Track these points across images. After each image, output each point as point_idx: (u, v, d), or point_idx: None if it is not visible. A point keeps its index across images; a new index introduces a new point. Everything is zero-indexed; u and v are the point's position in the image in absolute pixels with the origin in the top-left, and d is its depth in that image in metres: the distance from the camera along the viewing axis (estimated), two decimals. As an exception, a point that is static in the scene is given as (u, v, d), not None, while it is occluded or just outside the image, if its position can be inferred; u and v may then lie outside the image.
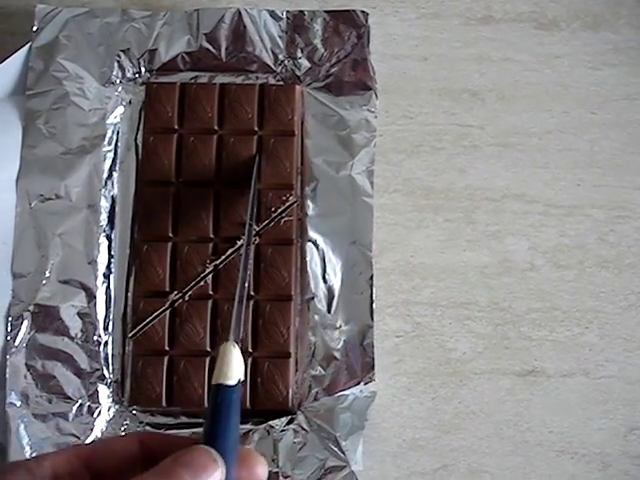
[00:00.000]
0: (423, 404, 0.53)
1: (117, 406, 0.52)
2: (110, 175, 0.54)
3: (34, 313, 0.52)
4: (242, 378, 0.35)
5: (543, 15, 0.59)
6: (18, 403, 0.51)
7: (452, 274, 0.55)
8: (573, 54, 0.58)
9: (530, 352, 0.54)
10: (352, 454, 0.50)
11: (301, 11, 0.56)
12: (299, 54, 0.56)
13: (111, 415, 0.52)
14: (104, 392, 0.52)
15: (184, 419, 0.52)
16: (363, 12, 0.56)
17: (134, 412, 0.52)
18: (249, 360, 0.52)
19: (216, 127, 0.54)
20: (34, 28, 0.55)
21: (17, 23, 0.57)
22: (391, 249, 0.55)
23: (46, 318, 0.52)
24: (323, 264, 0.53)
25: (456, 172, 0.56)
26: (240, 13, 0.56)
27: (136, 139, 0.55)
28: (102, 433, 0.51)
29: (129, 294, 0.53)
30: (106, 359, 0.52)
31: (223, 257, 0.53)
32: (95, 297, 0.52)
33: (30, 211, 0.53)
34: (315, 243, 0.53)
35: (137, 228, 0.54)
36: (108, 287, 0.53)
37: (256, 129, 0.54)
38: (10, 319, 0.52)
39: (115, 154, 0.55)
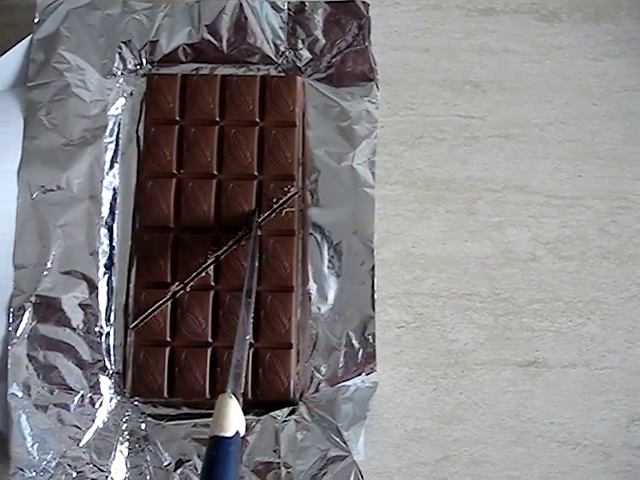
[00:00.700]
0: (425, 395, 0.53)
1: (119, 397, 0.52)
2: (111, 166, 0.54)
3: (36, 304, 0.52)
4: (241, 431, 0.34)
5: (544, 6, 0.59)
6: (20, 394, 0.51)
7: (453, 265, 0.55)
8: (574, 45, 0.58)
9: (532, 343, 0.54)
10: (354, 444, 0.50)
11: (302, 2, 0.56)
12: (300, 45, 0.56)
13: (113, 406, 0.52)
14: (106, 383, 0.52)
15: (185, 410, 0.52)
16: (364, 3, 0.56)
17: (136, 403, 0.52)
18: (251, 351, 0.52)
19: (217, 118, 0.54)
20: (35, 20, 0.55)
21: (18, 15, 0.57)
22: (392, 240, 0.55)
23: (48, 309, 0.52)
24: (324, 255, 0.53)
25: (457, 163, 0.56)
26: (241, 4, 0.56)
27: (137, 130, 0.55)
28: (103, 424, 0.51)
29: (131, 285, 0.53)
30: (108, 350, 0.52)
31: (225, 248, 0.53)
32: (97, 288, 0.52)
33: (32, 202, 0.53)
34: (316, 234, 0.53)
35: (139, 219, 0.54)
36: (110, 278, 0.53)
37: (257, 120, 0.54)
38: (12, 310, 0.52)
39: (116, 145, 0.55)
